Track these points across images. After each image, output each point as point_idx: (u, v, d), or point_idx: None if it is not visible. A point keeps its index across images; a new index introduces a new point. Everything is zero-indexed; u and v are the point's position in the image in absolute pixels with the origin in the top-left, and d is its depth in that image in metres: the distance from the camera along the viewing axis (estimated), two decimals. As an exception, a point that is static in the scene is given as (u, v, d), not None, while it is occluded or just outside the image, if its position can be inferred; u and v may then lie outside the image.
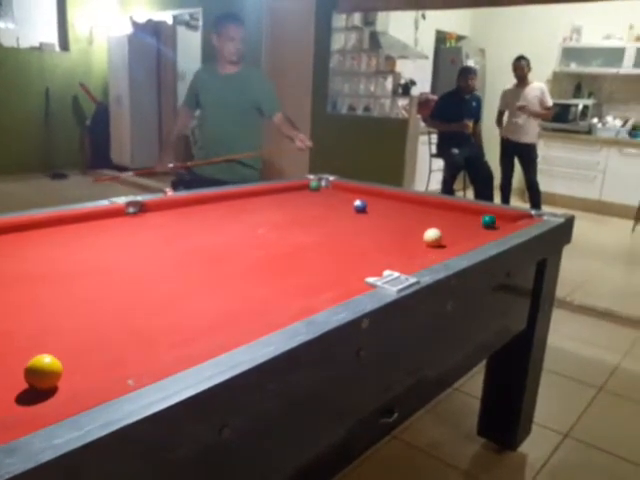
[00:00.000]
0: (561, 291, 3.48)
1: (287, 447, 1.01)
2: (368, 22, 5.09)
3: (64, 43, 7.38)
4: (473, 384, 2.31)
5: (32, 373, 0.78)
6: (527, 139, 5.31)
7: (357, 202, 1.99)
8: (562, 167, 6.29)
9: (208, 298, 1.19)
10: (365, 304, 1.07)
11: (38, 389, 0.78)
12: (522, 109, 5.17)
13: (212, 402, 0.77)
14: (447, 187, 5.04)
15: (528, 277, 1.80)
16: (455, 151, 4.89)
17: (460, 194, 5.56)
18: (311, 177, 2.47)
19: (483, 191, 4.95)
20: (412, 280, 1.19)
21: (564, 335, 2.95)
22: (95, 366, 0.87)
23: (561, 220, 1.81)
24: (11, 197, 5.81)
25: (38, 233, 1.57)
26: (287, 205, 2.15)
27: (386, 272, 1.23)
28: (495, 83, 6.46)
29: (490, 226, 1.80)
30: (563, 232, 1.84)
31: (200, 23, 6.72)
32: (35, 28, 7.00)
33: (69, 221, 1.67)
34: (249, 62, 3.13)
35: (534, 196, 5.32)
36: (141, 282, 1.27)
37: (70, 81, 7.35)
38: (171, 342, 0.96)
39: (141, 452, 0.70)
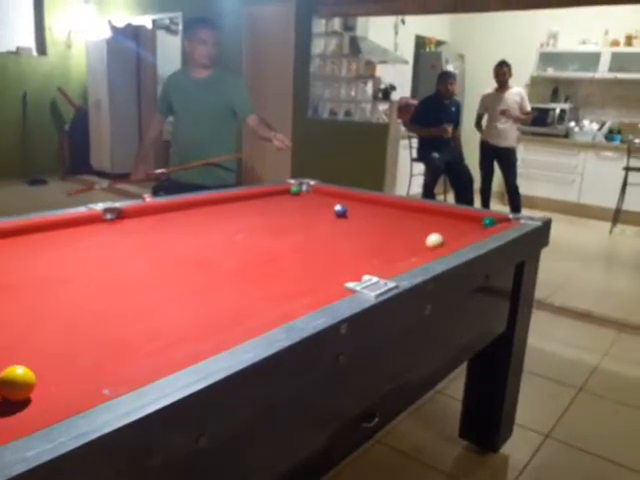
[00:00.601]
0: (541, 292, 3.51)
1: (267, 454, 1.00)
2: (348, 27, 5.12)
3: (41, 47, 7.29)
4: (455, 387, 2.32)
5: (4, 385, 0.77)
6: (507, 143, 5.38)
7: (337, 207, 2.00)
8: (541, 170, 6.39)
9: (186, 305, 1.18)
10: (344, 309, 1.07)
11: (11, 400, 0.77)
12: (504, 113, 5.23)
13: (188, 411, 0.77)
14: (428, 191, 5.08)
15: (507, 280, 1.82)
16: (435, 155, 4.94)
17: (441, 198, 5.61)
18: (292, 182, 2.47)
19: (463, 195, 5.00)
20: (391, 285, 1.19)
21: (544, 336, 2.98)
22: (70, 376, 0.85)
23: (538, 223, 1.83)
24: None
25: (12, 240, 1.54)
26: (267, 210, 2.15)
27: (365, 277, 1.23)
28: (474, 88, 6.54)
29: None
30: (540, 235, 1.86)
31: (180, 27, 6.68)
32: (12, 32, 6.91)
33: (45, 228, 1.65)
34: (228, 67, 3.10)
35: (514, 199, 5.38)
36: (118, 289, 1.25)
37: (48, 86, 7.26)
38: (148, 350, 0.95)
39: (117, 462, 0.69)
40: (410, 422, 2.23)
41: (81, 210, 1.82)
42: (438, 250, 1.55)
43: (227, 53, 5.85)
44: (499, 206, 6.11)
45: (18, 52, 6.95)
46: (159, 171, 2.91)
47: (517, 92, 5.33)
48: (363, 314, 1.08)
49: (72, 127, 7.47)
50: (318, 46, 5.21)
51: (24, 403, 0.76)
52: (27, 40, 7.12)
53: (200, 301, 1.21)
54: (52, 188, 6.90)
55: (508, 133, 5.34)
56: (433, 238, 1.62)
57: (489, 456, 2.05)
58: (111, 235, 1.71)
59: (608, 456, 2.06)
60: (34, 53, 7.20)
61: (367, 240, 1.77)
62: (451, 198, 5.37)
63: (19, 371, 0.78)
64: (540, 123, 6.35)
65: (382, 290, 1.16)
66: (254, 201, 2.25)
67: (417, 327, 1.36)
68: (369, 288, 1.17)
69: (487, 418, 2.02)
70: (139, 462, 0.72)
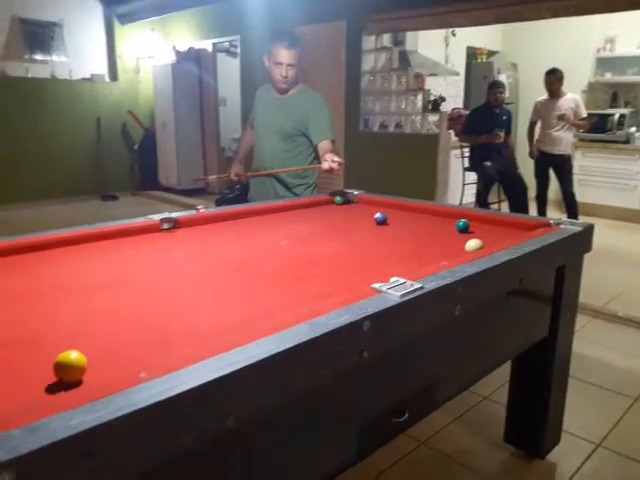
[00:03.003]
0: (598, 301, 3.43)
1: (294, 440, 1.08)
2: (398, 42, 5.20)
3: (113, 74, 7.81)
4: (502, 392, 2.30)
5: (60, 367, 0.89)
6: (561, 150, 5.25)
7: (377, 215, 2.06)
8: (600, 177, 6.16)
9: (224, 304, 1.28)
10: (367, 307, 1.13)
11: (65, 382, 0.89)
12: (562, 117, 5.12)
13: (215, 393, 0.85)
14: (481, 200, 5.03)
15: (546, 284, 1.81)
16: (487, 164, 4.90)
17: (495, 207, 5.53)
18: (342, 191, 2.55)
19: (517, 203, 4.91)
20: (417, 285, 1.24)
21: (601, 345, 2.90)
22: (114, 363, 0.97)
23: (578, 228, 1.82)
24: (65, 218, 6.17)
25: (80, 247, 1.71)
26: (311, 219, 2.24)
27: (392, 278, 1.29)
28: (528, 96, 6.43)
29: (464, 231, 1.90)
30: (581, 240, 1.85)
31: (238, 50, 6.99)
32: (86, 60, 7.45)
33: (107, 237, 1.81)
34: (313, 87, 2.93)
35: (571, 207, 5.23)
36: (166, 291, 1.38)
37: (119, 109, 7.76)
38: (186, 342, 1.05)
39: (148, 434, 0.78)
40: (455, 426, 2.23)
41: (140, 220, 1.98)
42: (473, 254, 1.58)
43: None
44: (557, 214, 5.93)
45: (92, 79, 7.49)
46: (244, 174, 2.97)
47: (572, 99, 5.20)
48: (386, 312, 1.14)
49: (141, 147, 7.94)
50: (368, 62, 5.32)
51: (76, 384, 0.88)
52: (100, 67, 7.65)
53: (238, 300, 1.31)
54: (123, 203, 7.36)
55: (562, 140, 5.22)
56: (472, 243, 1.65)
57: (535, 462, 2.02)
58: (165, 243, 1.85)
59: (664, 469, 1.99)
60: (106, 79, 7.72)
61: (403, 245, 1.83)
62: (506, 207, 5.28)
63: (73, 355, 0.90)
64: (599, 129, 6.15)
65: (407, 290, 1.22)
66: (299, 211, 2.35)
67: (447, 328, 1.40)
68: (395, 288, 1.23)
69: (532, 423, 2.00)
70: (169, 437, 0.81)
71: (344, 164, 2.58)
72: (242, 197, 3.04)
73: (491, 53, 7.20)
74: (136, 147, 7.96)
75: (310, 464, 1.14)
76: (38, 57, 6.99)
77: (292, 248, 1.79)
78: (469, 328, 1.50)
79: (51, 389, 0.87)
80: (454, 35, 6.37)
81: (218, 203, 5.42)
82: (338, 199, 2.47)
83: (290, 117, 2.75)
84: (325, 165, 2.53)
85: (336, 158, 2.52)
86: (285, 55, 2.62)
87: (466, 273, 1.36)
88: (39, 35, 6.93)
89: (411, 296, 1.21)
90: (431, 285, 1.27)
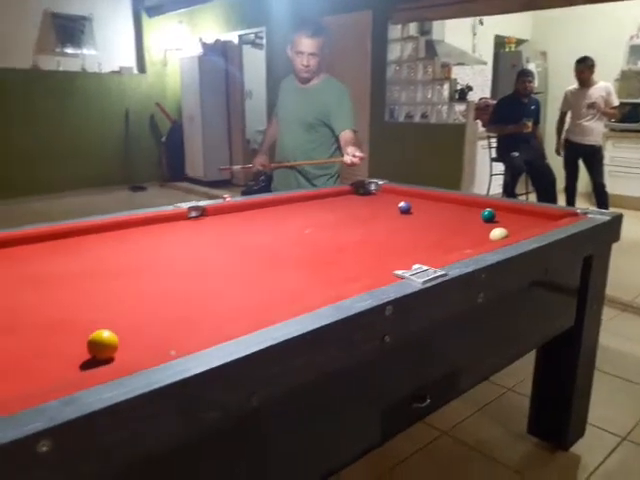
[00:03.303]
0: (627, 294, 3.37)
1: (318, 422, 1.10)
2: (424, 31, 5.15)
3: (141, 66, 7.93)
4: (526, 384, 2.29)
5: (93, 345, 0.93)
6: (592, 140, 5.15)
7: (401, 204, 2.07)
8: (632, 168, 6.01)
9: (251, 288, 1.32)
10: (390, 293, 1.14)
11: (99, 359, 0.93)
12: (593, 106, 5.01)
13: (241, 372, 0.88)
14: (508, 191, 4.97)
15: (572, 274, 1.80)
16: (515, 154, 4.84)
17: (523, 198, 5.46)
18: (362, 181, 2.56)
19: (546, 194, 4.84)
20: (440, 272, 1.25)
21: (628, 338, 2.85)
22: (145, 342, 1.01)
23: (607, 218, 1.80)
24: (95, 208, 6.30)
25: (110, 235, 1.76)
26: (335, 208, 2.26)
27: (415, 265, 1.30)
28: (558, 86, 6.30)
29: (490, 220, 1.90)
30: (610, 230, 1.82)
31: (264, 42, 7.01)
32: (115, 53, 7.58)
33: (136, 224, 1.86)
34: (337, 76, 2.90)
35: (601, 198, 5.13)
36: (195, 275, 1.41)
37: (147, 101, 7.87)
38: (214, 323, 1.09)
39: (176, 409, 0.82)
40: (478, 417, 2.24)
41: (168, 209, 2.02)
42: (498, 243, 1.58)
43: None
44: (586, 206, 5.80)
45: (121, 72, 7.61)
46: (272, 165, 2.98)
47: (603, 87, 5.08)
48: (408, 298, 1.15)
49: (169, 139, 8.06)
50: (394, 51, 5.29)
51: (109, 361, 0.92)
52: (128, 60, 7.77)
53: (264, 284, 1.34)
54: (151, 194, 7.49)
55: (593, 130, 5.11)
56: (497, 232, 1.65)
57: (559, 454, 2.01)
58: (194, 230, 1.90)
59: (692, 463, 1.96)
60: (135, 72, 7.84)
61: (427, 234, 1.83)
62: (533, 198, 5.21)
63: (105, 334, 0.94)
64: (631, 119, 6.00)
65: (430, 277, 1.23)
66: (323, 200, 2.37)
67: (470, 315, 1.40)
68: (417, 275, 1.24)
69: (556, 415, 1.99)
70: (196, 411, 0.84)
71: (364, 158, 2.56)
72: (267, 189, 3.06)
73: (520, 42, 7.08)
74: (164, 139, 8.08)
75: (332, 446, 1.16)
76: (69, 51, 7.13)
77: (317, 236, 1.81)
78: (492, 316, 1.50)
79: (85, 366, 0.91)
80: (481, 24, 6.27)
81: (243, 194, 5.50)
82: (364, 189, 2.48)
83: (312, 107, 2.73)
84: (346, 159, 2.53)
85: (358, 153, 2.50)
86: (307, 44, 2.61)
87: (490, 261, 1.36)
88: (70, 29, 7.07)
89: (433, 283, 1.22)
90: (454, 272, 1.27)
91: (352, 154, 2.49)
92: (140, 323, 1.11)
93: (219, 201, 2.20)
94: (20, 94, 6.71)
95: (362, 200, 2.42)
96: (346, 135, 2.68)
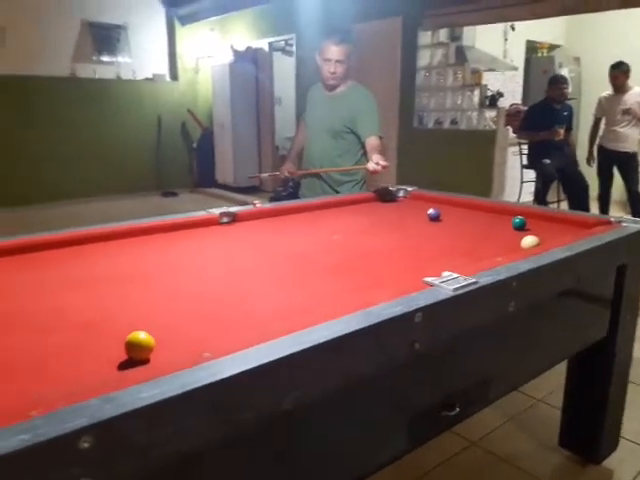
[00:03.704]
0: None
1: (347, 426, 1.11)
2: (454, 37, 5.13)
3: (174, 73, 8.08)
4: (556, 396, 2.25)
5: (130, 346, 0.96)
6: (627, 147, 5.03)
7: (430, 210, 2.06)
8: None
9: (281, 292, 1.33)
10: (419, 300, 1.15)
11: (135, 359, 0.95)
12: (628, 112, 4.91)
13: (274, 374, 0.90)
14: (540, 198, 4.90)
15: (606, 283, 1.77)
16: (547, 161, 4.76)
17: (554, 205, 5.37)
18: (390, 188, 2.57)
19: (578, 202, 4.76)
20: (470, 280, 1.25)
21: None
22: (180, 344, 1.03)
23: (642, 226, 1.77)
24: (128, 213, 6.44)
25: (145, 239, 1.81)
26: (363, 214, 2.27)
27: (445, 273, 1.30)
28: (592, 91, 6.18)
29: (520, 228, 1.87)
30: (645, 239, 1.78)
31: (294, 48, 7.07)
32: (148, 61, 7.75)
33: (171, 229, 1.91)
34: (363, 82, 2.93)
35: (636, 207, 5.01)
36: (227, 279, 1.44)
37: (179, 108, 8.02)
38: (247, 326, 1.10)
39: (210, 410, 0.83)
40: (508, 428, 2.21)
41: (201, 214, 2.06)
42: (529, 251, 1.56)
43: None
44: (620, 214, 5.68)
45: (154, 79, 7.77)
46: (299, 172, 3.02)
47: (638, 92, 4.97)
48: (439, 305, 1.15)
49: (199, 145, 8.19)
50: (424, 57, 5.28)
51: (145, 362, 0.95)
52: (161, 68, 7.94)
53: (293, 289, 1.36)
54: (182, 199, 7.62)
55: (628, 137, 5.00)
56: (528, 240, 1.64)
57: (590, 468, 1.97)
58: (225, 235, 1.93)
59: None
60: (167, 79, 8.00)
61: (457, 241, 1.82)
62: (565, 206, 5.12)
63: (142, 335, 0.96)
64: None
65: (460, 284, 1.22)
66: (353, 206, 2.39)
67: (500, 324, 1.39)
68: (447, 282, 1.24)
69: (588, 427, 1.95)
70: (229, 413, 0.86)
71: (388, 167, 2.58)
72: (295, 195, 3.09)
73: (552, 47, 6.98)
74: (195, 145, 8.21)
75: (359, 452, 1.16)
76: (105, 59, 7.33)
77: (345, 242, 1.82)
78: (523, 325, 1.49)
79: (122, 366, 0.94)
80: (513, 29, 6.21)
81: (272, 201, 5.55)
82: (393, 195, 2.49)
83: (338, 114, 2.75)
84: (370, 166, 2.56)
85: (382, 161, 2.52)
86: (334, 51, 2.63)
87: (521, 269, 1.35)
88: (106, 38, 7.26)
89: (464, 290, 1.21)
90: (485, 280, 1.27)
91: (376, 162, 2.52)
92: (175, 325, 1.13)
93: (249, 207, 2.23)
94: (58, 101, 6.92)
95: (390, 207, 2.43)
96: (372, 141, 2.70)
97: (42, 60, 6.76)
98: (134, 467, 0.76)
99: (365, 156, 2.78)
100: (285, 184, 3.33)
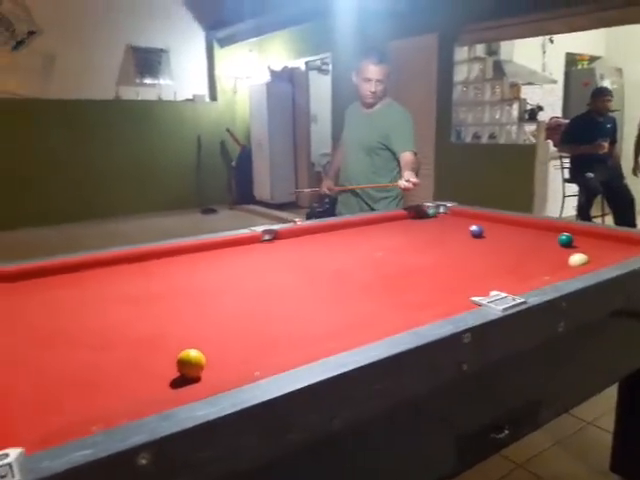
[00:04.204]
0: None
1: (395, 447, 1.10)
2: (492, 51, 5.10)
3: (213, 94, 8.29)
4: (608, 418, 2.18)
5: (182, 364, 0.98)
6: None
7: (473, 227, 2.04)
8: None
9: (325, 311, 1.34)
10: (468, 320, 1.13)
11: (186, 377, 0.97)
12: None
13: (323, 394, 0.90)
14: (583, 213, 4.77)
15: (659, 303, 1.70)
16: (590, 175, 4.65)
17: (598, 220, 5.22)
18: (429, 204, 2.56)
19: (623, 216, 4.62)
20: (519, 300, 1.23)
21: None
22: (229, 362, 1.05)
23: (697, 243, 1.70)
24: (168, 230, 6.59)
25: (192, 257, 1.85)
26: (404, 231, 2.27)
27: (493, 292, 1.28)
28: (635, 103, 6.05)
29: (567, 245, 1.82)
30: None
31: (330, 67, 7.16)
32: (189, 83, 7.97)
33: (216, 246, 1.95)
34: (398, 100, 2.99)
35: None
36: (271, 297, 1.46)
37: (218, 128, 8.21)
38: (292, 346, 1.12)
39: (261, 429, 0.84)
40: (556, 450, 2.14)
41: (245, 232, 2.10)
42: (577, 269, 1.53)
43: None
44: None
45: (194, 99, 7.98)
46: (337, 188, 3.06)
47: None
48: (487, 326, 1.14)
49: (238, 163, 8.35)
50: (461, 72, 5.26)
51: (196, 380, 0.97)
52: (201, 88, 8.15)
53: (337, 308, 1.36)
54: (221, 216, 7.75)
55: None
56: (577, 257, 1.60)
57: (645, 494, 1.89)
58: (267, 252, 1.96)
59: None
60: (207, 99, 8.20)
61: (501, 259, 1.80)
62: (610, 221, 4.97)
63: (193, 353, 0.99)
64: None
65: (509, 305, 1.20)
66: (393, 223, 2.38)
67: (549, 345, 1.36)
68: (496, 302, 1.22)
69: (641, 452, 1.88)
70: (280, 432, 0.87)
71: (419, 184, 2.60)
72: (330, 212, 3.12)
73: (593, 58, 6.85)
74: (233, 164, 8.36)
75: (407, 473, 1.15)
76: (147, 81, 7.58)
77: (388, 259, 1.82)
78: (572, 346, 1.45)
79: (174, 383, 0.96)
80: (552, 42, 6.13)
81: (308, 217, 5.60)
82: (431, 211, 2.47)
83: (374, 131, 2.79)
84: (401, 184, 2.59)
85: (413, 178, 2.55)
86: (373, 71, 2.69)
87: (571, 288, 1.32)
88: (149, 61, 7.52)
89: (513, 311, 1.19)
90: (534, 300, 1.24)
91: (407, 179, 2.55)
92: (224, 342, 1.15)
93: (290, 225, 2.26)
94: (103, 122, 7.19)
95: (430, 223, 2.41)
96: (405, 157, 2.72)
97: (89, 84, 7.05)
98: (189, 485, 0.78)
99: (400, 172, 2.79)
100: (321, 201, 3.37)
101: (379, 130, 2.78)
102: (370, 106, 2.83)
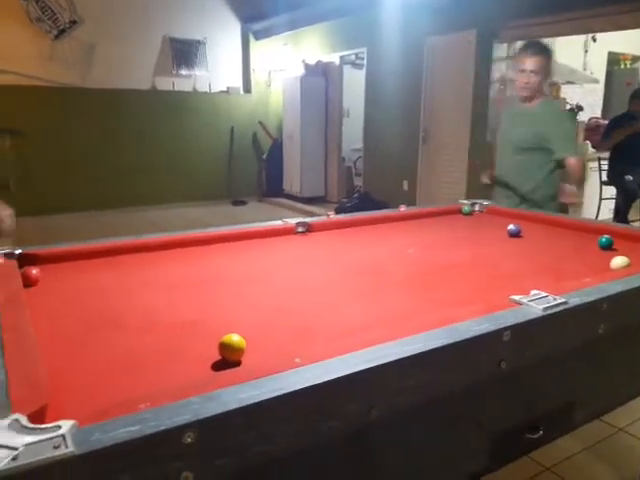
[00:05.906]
0: None
1: (432, 441, 1.10)
2: (532, 49, 4.99)
3: (247, 86, 8.33)
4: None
5: (224, 347, 1.00)
6: None
7: (510, 226, 2.02)
8: None
9: (360, 304, 1.35)
10: (508, 318, 1.12)
11: (227, 360, 0.99)
12: None
13: (363, 384, 0.91)
14: (620, 216, 4.66)
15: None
16: (629, 177, 4.53)
17: (637, 224, 5.09)
18: (464, 202, 2.53)
19: (664, 221, 4.49)
20: (560, 300, 1.21)
21: None
22: (269, 348, 1.06)
23: None
24: (199, 219, 6.68)
25: (229, 245, 1.88)
26: (438, 228, 2.25)
27: (533, 291, 1.27)
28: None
29: (608, 247, 1.80)
30: None
31: (364, 62, 7.12)
32: (223, 74, 8.03)
33: (252, 237, 1.97)
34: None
35: None
36: (306, 289, 1.47)
37: (251, 120, 8.26)
38: (329, 336, 1.13)
39: (302, 415, 0.86)
40: (585, 456, 2.11)
41: (279, 224, 2.12)
42: (617, 272, 1.50)
43: (409, 81, 6.09)
44: None
45: (228, 91, 8.05)
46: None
47: None
48: (528, 325, 1.13)
49: (269, 156, 8.38)
50: (498, 70, 5.17)
51: (237, 364, 0.98)
52: (235, 80, 8.20)
53: (372, 301, 1.37)
54: (251, 208, 7.81)
55: None
56: (619, 260, 1.58)
57: (679, 505, 1.85)
58: (301, 245, 1.97)
59: None
60: (241, 92, 8.25)
61: (539, 259, 1.77)
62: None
63: (235, 338, 1.00)
64: None
65: (550, 304, 1.19)
66: (427, 219, 2.37)
67: (588, 346, 1.34)
68: (536, 301, 1.21)
69: (677, 462, 1.83)
70: (319, 419, 0.88)
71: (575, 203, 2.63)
72: (359, 206, 3.09)
73: (636, 58, 6.66)
74: (264, 156, 8.41)
75: (439, 467, 1.15)
76: (183, 72, 7.67)
77: (421, 255, 1.82)
78: (611, 349, 1.42)
79: (215, 366, 0.98)
80: (594, 40, 5.98)
81: (337, 211, 5.59)
82: (466, 209, 2.45)
83: (527, 130, 2.71)
84: (562, 199, 2.65)
85: (571, 198, 2.61)
86: (528, 62, 2.64)
87: (612, 291, 1.30)
88: (185, 52, 7.60)
89: (554, 310, 1.18)
90: (575, 300, 1.23)
91: (567, 193, 2.60)
92: (263, 329, 1.17)
93: (323, 218, 2.27)
94: (139, 112, 7.30)
95: (467, 220, 2.39)
96: (571, 164, 2.61)
97: (127, 74, 7.17)
98: (230, 464, 0.79)
99: (552, 173, 2.71)
100: (351, 196, 3.34)
101: (533, 130, 2.68)
102: (526, 100, 2.73)
